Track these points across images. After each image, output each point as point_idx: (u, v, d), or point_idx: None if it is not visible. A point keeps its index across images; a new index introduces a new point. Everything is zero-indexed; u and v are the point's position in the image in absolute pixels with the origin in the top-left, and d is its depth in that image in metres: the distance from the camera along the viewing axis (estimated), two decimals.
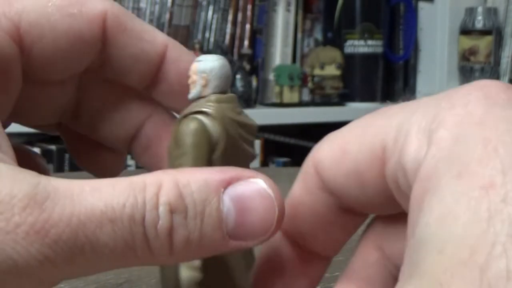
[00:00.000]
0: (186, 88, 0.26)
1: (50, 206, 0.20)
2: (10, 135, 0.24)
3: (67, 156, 1.45)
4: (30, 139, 1.47)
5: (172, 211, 0.22)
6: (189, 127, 0.25)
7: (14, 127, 0.29)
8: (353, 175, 0.23)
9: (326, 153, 0.24)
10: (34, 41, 0.27)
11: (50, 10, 0.27)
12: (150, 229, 0.21)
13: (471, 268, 0.16)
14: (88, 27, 0.28)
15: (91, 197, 0.21)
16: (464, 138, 0.19)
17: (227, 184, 0.22)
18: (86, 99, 0.30)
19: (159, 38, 0.29)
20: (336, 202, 0.24)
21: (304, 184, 0.25)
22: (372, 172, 0.22)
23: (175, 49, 0.29)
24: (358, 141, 0.23)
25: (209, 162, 0.25)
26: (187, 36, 1.61)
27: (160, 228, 0.21)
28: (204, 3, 1.63)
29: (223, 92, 0.26)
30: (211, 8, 1.64)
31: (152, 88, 0.30)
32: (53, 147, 1.50)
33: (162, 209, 0.21)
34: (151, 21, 1.56)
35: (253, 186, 0.23)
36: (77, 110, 0.30)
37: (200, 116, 0.25)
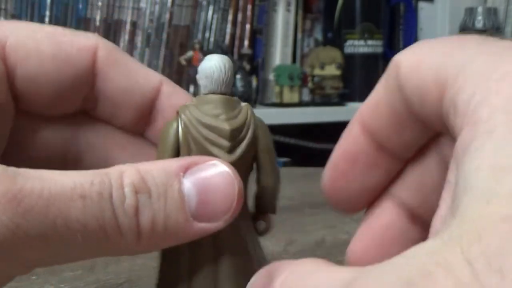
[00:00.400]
0: None
1: (21, 180, 0.21)
2: None
3: None
4: None
5: (136, 192, 0.22)
6: (162, 127, 0.26)
7: None
8: (420, 90, 0.22)
9: (406, 61, 0.23)
10: (19, 60, 0.26)
11: (39, 36, 0.27)
12: (118, 207, 0.22)
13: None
14: (78, 54, 0.27)
15: (60, 176, 0.22)
16: None
17: (186, 169, 0.23)
18: (77, 145, 0.29)
19: (153, 74, 0.29)
20: (409, 106, 0.24)
21: (385, 83, 0.25)
22: (433, 97, 0.22)
23: (170, 85, 0.29)
24: (432, 61, 0.22)
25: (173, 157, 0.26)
26: (187, 36, 1.61)
27: (127, 207, 0.22)
28: (204, 3, 1.63)
29: (215, 92, 0.26)
30: (211, 8, 1.64)
31: (147, 126, 0.29)
32: None
33: (127, 190, 0.22)
34: (151, 21, 1.56)
35: (211, 168, 0.24)
36: (66, 155, 0.30)
37: (175, 117, 0.26)
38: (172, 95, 0.29)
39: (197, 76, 0.26)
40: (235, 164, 0.25)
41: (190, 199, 0.23)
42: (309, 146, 1.71)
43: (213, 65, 0.26)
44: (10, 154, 0.28)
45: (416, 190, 0.25)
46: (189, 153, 0.25)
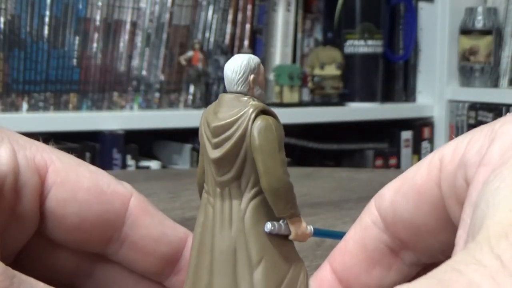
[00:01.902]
0: None
1: (16, 284, 0.22)
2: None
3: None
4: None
5: None
6: None
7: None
8: (411, 194, 0.25)
9: (386, 196, 0.26)
10: (56, 183, 0.28)
11: (82, 169, 0.29)
12: None
13: None
14: (112, 196, 0.29)
15: None
16: None
17: None
18: (87, 279, 0.30)
19: (179, 227, 0.30)
20: (388, 240, 0.26)
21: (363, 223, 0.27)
22: (428, 182, 0.24)
23: None
24: (415, 174, 0.25)
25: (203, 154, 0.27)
26: (187, 36, 1.61)
27: None
28: (204, 3, 1.63)
29: (230, 91, 0.27)
30: (211, 8, 1.64)
31: (172, 275, 0.30)
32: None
33: None
34: (151, 21, 1.57)
35: None
36: (73, 283, 0.30)
37: None
38: None
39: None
40: (221, 160, 0.26)
41: None
42: (309, 146, 1.71)
43: (228, 64, 0.27)
44: (18, 264, 0.28)
45: None
46: (203, 147, 0.27)
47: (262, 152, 0.26)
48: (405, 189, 0.25)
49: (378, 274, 0.27)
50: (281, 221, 0.26)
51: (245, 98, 0.26)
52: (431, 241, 0.25)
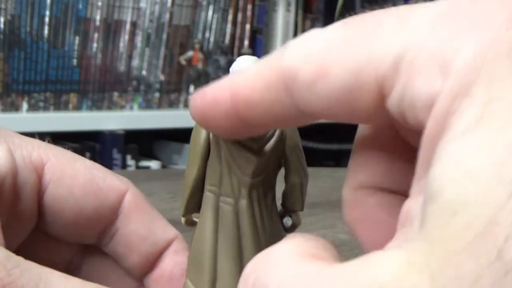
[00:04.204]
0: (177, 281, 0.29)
1: (17, 273, 0.22)
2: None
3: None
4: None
5: None
6: (193, 130, 0.27)
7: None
8: (337, 103, 0.19)
9: (300, 68, 0.19)
10: (53, 180, 0.28)
11: (78, 165, 0.29)
12: None
13: (487, 247, 0.14)
14: (107, 190, 0.29)
15: (59, 280, 0.22)
16: (489, 71, 0.15)
17: None
18: (77, 270, 0.31)
19: (170, 228, 0.30)
20: (299, 113, 0.20)
21: (266, 88, 0.20)
22: (365, 103, 0.19)
23: (182, 243, 0.30)
24: (343, 65, 0.18)
25: (204, 158, 0.26)
26: (187, 36, 1.61)
27: None
28: (204, 3, 1.63)
29: None
30: (211, 8, 1.64)
31: (148, 274, 0.30)
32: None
33: None
34: (151, 21, 1.57)
35: None
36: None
37: None
38: (180, 252, 0.30)
39: None
40: (264, 163, 0.25)
41: None
42: (309, 146, 1.71)
43: (237, 67, 0.26)
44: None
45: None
46: (218, 149, 0.25)
47: (297, 149, 0.27)
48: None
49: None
50: (286, 217, 0.27)
51: None
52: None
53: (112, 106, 1.54)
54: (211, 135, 0.26)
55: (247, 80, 0.21)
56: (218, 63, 1.63)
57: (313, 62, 0.19)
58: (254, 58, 0.26)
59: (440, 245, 0.14)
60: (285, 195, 0.28)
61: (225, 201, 0.26)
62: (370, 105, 0.19)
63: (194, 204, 0.27)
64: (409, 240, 0.15)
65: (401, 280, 0.14)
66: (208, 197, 0.27)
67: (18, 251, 0.29)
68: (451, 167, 0.15)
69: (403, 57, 0.17)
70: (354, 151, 0.23)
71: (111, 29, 1.52)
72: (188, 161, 0.27)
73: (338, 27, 0.19)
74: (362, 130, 0.23)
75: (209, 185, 0.27)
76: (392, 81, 0.18)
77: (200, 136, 0.26)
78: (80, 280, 0.23)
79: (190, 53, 1.58)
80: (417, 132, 0.17)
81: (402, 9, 0.18)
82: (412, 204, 0.17)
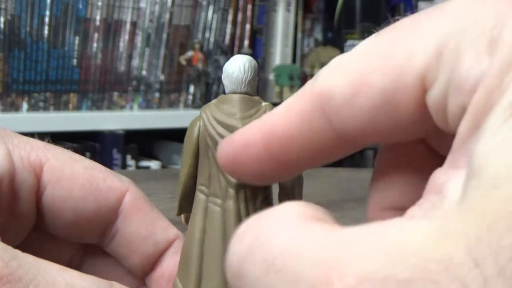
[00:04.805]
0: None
1: (14, 265, 0.22)
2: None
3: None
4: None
5: None
6: (188, 126, 0.27)
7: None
8: (379, 112, 0.18)
9: (336, 85, 0.18)
10: (51, 181, 0.28)
11: (77, 165, 0.29)
12: None
13: None
14: (107, 191, 0.29)
15: (57, 272, 0.22)
16: None
17: None
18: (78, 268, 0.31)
19: (171, 228, 0.30)
20: (339, 141, 0.20)
21: (301, 118, 0.20)
22: (408, 106, 0.18)
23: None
24: (382, 70, 0.18)
25: (195, 157, 0.27)
26: (187, 36, 1.61)
27: None
28: (204, 3, 1.63)
29: (236, 92, 0.27)
30: (211, 8, 1.64)
31: (150, 274, 0.30)
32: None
33: None
34: (151, 21, 1.57)
35: None
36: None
37: (198, 116, 0.27)
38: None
39: (222, 76, 0.27)
40: None
41: None
42: None
43: (232, 65, 0.27)
44: None
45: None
46: (206, 149, 0.26)
47: None
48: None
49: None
50: None
51: (257, 98, 0.27)
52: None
53: (112, 106, 1.54)
54: (201, 133, 0.26)
55: (279, 116, 0.20)
56: (218, 63, 1.63)
57: (349, 75, 0.18)
58: (248, 57, 0.27)
59: (479, 217, 0.14)
60: (279, 197, 0.27)
61: (214, 201, 0.26)
62: (413, 106, 0.18)
63: (188, 203, 0.27)
64: (441, 210, 0.15)
65: (436, 247, 0.13)
66: (198, 197, 0.27)
67: (17, 249, 0.29)
68: (496, 144, 0.15)
69: (446, 44, 0.17)
70: (377, 172, 0.23)
71: (111, 29, 1.52)
72: (181, 159, 0.27)
73: (370, 38, 0.19)
74: (385, 150, 0.22)
75: (199, 185, 0.27)
76: (435, 72, 0.17)
77: (192, 135, 0.27)
78: (78, 272, 0.23)
79: (190, 53, 1.58)
80: (450, 136, 0.17)
81: (433, 7, 0.18)
82: (443, 176, 0.17)
